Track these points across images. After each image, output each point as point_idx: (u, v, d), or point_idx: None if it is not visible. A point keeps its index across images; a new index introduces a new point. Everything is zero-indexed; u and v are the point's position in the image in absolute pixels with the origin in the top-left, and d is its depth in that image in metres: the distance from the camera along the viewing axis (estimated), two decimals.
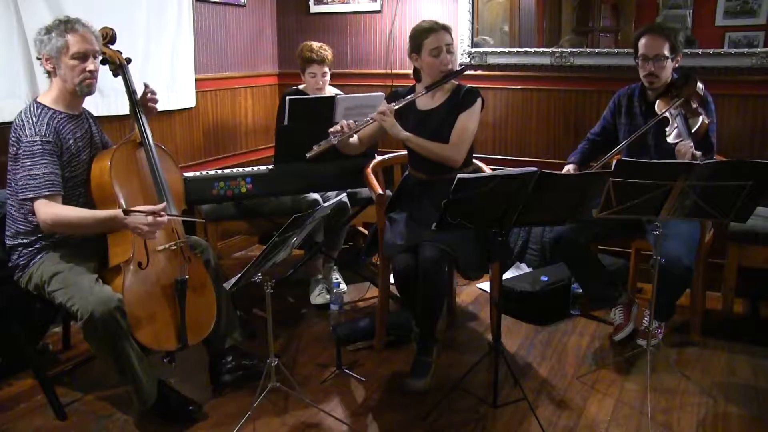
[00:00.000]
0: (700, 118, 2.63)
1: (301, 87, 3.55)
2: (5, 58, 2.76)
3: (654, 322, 2.73)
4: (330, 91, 3.56)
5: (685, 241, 2.68)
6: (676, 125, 2.64)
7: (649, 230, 2.71)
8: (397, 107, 2.65)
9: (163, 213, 2.17)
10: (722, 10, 3.25)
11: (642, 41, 2.77)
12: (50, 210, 2.17)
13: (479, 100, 2.68)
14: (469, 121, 2.64)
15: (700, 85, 2.70)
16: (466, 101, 2.66)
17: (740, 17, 3.22)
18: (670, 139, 2.64)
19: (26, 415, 2.41)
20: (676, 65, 2.81)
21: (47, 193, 2.18)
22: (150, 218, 2.13)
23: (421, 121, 2.68)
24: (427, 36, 2.60)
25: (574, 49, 3.60)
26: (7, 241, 2.34)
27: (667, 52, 2.73)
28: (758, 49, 3.18)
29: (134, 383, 2.22)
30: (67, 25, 2.25)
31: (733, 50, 3.23)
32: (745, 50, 3.21)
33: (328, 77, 3.47)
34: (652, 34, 2.76)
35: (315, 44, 3.42)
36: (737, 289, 3.06)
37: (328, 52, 3.43)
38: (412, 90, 2.77)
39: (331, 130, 2.62)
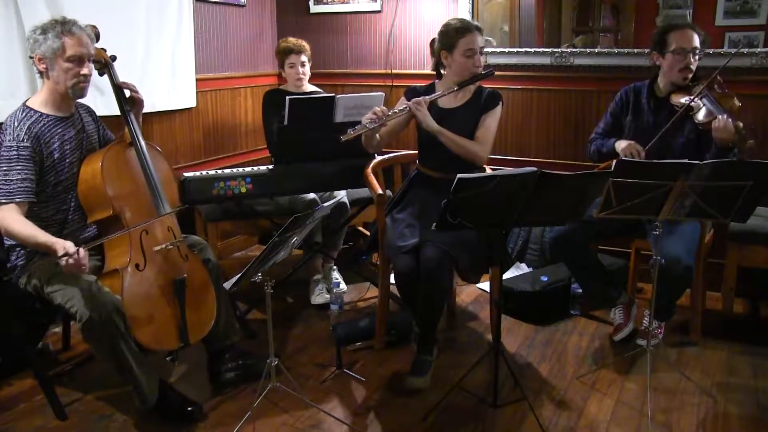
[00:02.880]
0: (733, 99, 2.60)
1: (282, 87, 3.56)
2: (5, 58, 2.76)
3: (654, 322, 2.73)
4: (309, 89, 3.58)
5: (685, 241, 2.68)
6: (702, 106, 2.61)
7: (649, 230, 2.71)
8: (432, 99, 2.65)
9: (79, 256, 2.03)
10: (722, 10, 3.25)
11: (674, 35, 2.75)
12: (6, 216, 2.16)
13: (501, 103, 2.74)
14: (493, 122, 2.70)
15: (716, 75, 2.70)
16: (490, 103, 2.71)
17: (740, 17, 3.22)
18: (699, 118, 2.61)
19: (26, 415, 2.40)
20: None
21: (18, 199, 2.17)
22: (63, 261, 2.03)
23: (443, 119, 2.68)
24: (462, 36, 2.61)
25: (574, 49, 3.60)
26: (6, 242, 2.34)
27: (699, 45, 2.75)
28: (758, 49, 3.18)
29: (134, 384, 2.22)
30: (64, 26, 2.22)
31: (733, 50, 3.23)
32: (745, 50, 3.21)
33: (307, 69, 3.50)
34: (684, 28, 2.75)
35: (291, 38, 3.50)
36: (737, 289, 3.06)
37: (305, 44, 3.49)
38: (429, 87, 2.79)
39: (366, 117, 2.61)
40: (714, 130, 2.56)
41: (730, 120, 2.50)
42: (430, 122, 2.62)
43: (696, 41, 2.74)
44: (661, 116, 2.78)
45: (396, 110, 2.65)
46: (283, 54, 3.47)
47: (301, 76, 3.48)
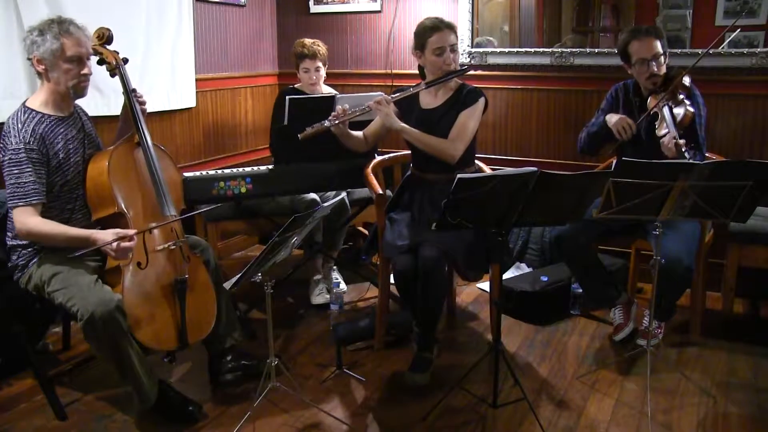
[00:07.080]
0: (684, 108, 2.65)
1: (297, 86, 3.55)
2: (5, 58, 2.76)
3: (654, 322, 2.73)
4: (325, 89, 3.57)
5: (685, 241, 2.68)
6: (663, 118, 2.66)
7: (649, 230, 2.71)
8: (395, 99, 2.66)
9: (134, 237, 2.15)
10: (722, 10, 3.24)
11: (634, 47, 2.78)
12: (28, 220, 2.17)
13: (481, 100, 2.69)
14: (469, 119, 2.65)
15: (686, 78, 2.72)
16: (468, 100, 2.67)
17: (740, 17, 3.22)
18: (658, 133, 2.66)
19: (26, 415, 2.40)
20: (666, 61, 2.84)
21: (34, 201, 2.18)
22: (115, 244, 2.11)
23: (424, 119, 2.68)
24: (432, 34, 2.61)
25: (574, 49, 3.60)
26: (7, 242, 2.34)
27: (661, 49, 2.76)
28: (758, 49, 3.18)
29: (135, 383, 2.22)
30: (61, 26, 2.20)
31: (733, 50, 3.23)
32: (745, 50, 3.21)
33: (322, 72, 3.47)
34: (642, 36, 2.77)
35: (308, 40, 3.45)
36: (737, 289, 3.06)
37: (321, 47, 3.43)
38: (415, 88, 2.77)
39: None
40: (661, 145, 2.61)
41: (675, 138, 2.54)
42: (392, 121, 2.61)
43: (657, 47, 2.75)
44: (644, 114, 2.79)
45: (356, 109, 2.64)
46: (297, 58, 3.43)
47: (314, 81, 3.46)
